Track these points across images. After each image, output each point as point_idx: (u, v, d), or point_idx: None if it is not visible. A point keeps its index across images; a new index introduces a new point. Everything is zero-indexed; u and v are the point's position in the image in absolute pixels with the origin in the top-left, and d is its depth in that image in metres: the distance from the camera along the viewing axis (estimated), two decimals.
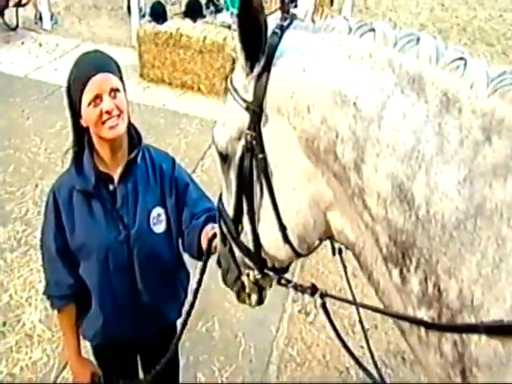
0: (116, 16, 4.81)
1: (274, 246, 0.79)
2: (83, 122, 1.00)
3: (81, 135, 1.05)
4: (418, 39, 0.63)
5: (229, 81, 0.77)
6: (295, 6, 0.82)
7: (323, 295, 0.79)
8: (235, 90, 0.74)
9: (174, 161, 1.19)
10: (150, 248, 1.10)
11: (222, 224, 0.85)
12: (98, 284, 1.08)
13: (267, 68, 0.69)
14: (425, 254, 0.61)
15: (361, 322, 0.88)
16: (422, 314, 0.62)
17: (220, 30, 3.51)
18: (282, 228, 0.75)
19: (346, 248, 0.74)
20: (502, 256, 0.56)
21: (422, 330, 0.63)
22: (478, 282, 0.57)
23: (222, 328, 1.79)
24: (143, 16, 4.05)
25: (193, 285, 1.05)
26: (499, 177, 0.57)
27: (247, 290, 0.91)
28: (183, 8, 3.83)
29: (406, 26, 4.84)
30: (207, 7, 3.93)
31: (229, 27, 3.46)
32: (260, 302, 0.94)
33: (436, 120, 0.60)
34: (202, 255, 1.04)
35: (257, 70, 0.69)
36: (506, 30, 4.89)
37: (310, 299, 1.16)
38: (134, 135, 1.11)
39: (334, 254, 0.83)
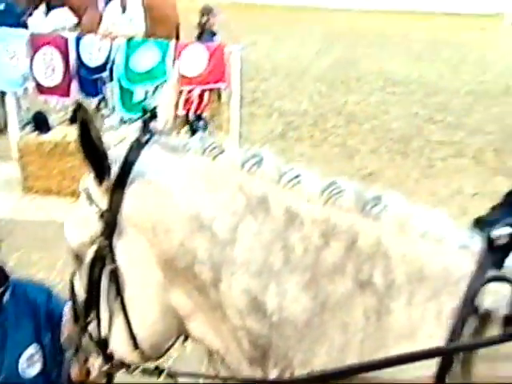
0: None
1: (121, 350, 0.77)
2: None
3: None
4: (262, 160, 0.71)
5: (82, 183, 0.77)
6: (154, 118, 0.82)
7: (171, 375, 0.78)
8: (89, 195, 0.74)
9: (50, 292, 1.13)
10: None
11: (74, 305, 0.82)
12: None
13: (122, 184, 0.71)
14: (281, 352, 0.67)
15: None
16: None
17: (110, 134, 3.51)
18: (132, 336, 0.74)
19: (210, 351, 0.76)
20: (346, 340, 0.64)
21: None
22: (327, 366, 0.64)
23: None
24: (24, 127, 3.91)
25: None
26: (338, 273, 0.65)
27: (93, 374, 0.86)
28: (69, 115, 3.80)
29: (290, 112, 5.36)
30: (97, 110, 3.94)
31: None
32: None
33: (282, 235, 0.68)
34: None
35: (106, 185, 0.71)
36: (373, 110, 5.63)
37: None
38: None
39: None
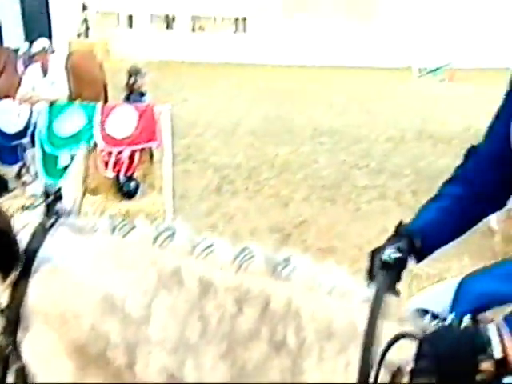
0: None
1: None
2: None
3: None
4: (174, 233, 0.71)
5: None
6: (59, 199, 0.78)
7: None
8: None
9: None
10: None
11: None
12: None
13: (26, 275, 0.67)
14: None
15: None
16: None
17: (32, 200, 3.36)
18: None
19: None
20: None
21: None
22: None
23: None
24: None
25: None
26: (254, 338, 0.66)
27: None
28: None
29: (225, 166, 5.47)
30: (18, 177, 3.77)
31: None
32: None
33: (197, 305, 0.67)
34: None
35: (11, 278, 0.66)
36: (304, 160, 5.91)
37: None
38: None
39: None
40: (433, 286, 1.13)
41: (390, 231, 0.97)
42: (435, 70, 15.30)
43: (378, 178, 5.34)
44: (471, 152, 1.00)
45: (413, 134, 7.46)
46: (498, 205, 0.98)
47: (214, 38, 19.94)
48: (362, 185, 5.13)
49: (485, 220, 0.94)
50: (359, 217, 4.23)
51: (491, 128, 0.97)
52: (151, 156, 4.22)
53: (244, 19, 19.90)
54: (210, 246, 0.70)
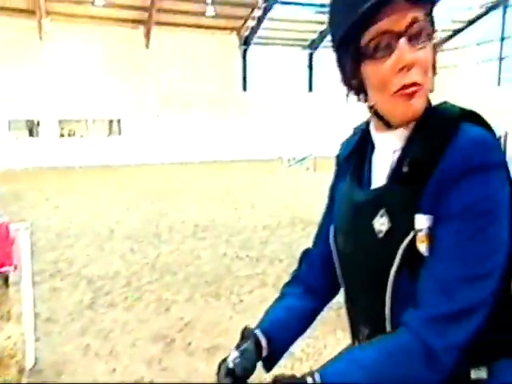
0: None
1: None
2: None
3: None
4: None
5: None
6: None
7: None
8: None
9: None
10: None
11: None
12: None
13: None
14: None
15: None
16: None
17: None
18: None
19: None
20: None
21: None
22: None
23: None
24: None
25: None
26: None
27: None
28: None
29: (100, 277, 5.13)
30: None
31: None
32: None
33: None
34: None
35: None
36: (186, 258, 5.88)
37: None
38: None
39: None
40: None
41: None
42: (302, 160, 17.24)
43: (257, 267, 5.54)
44: (305, 255, 1.14)
45: (287, 220, 8.07)
46: (332, 297, 1.10)
47: (86, 141, 19.81)
48: (243, 275, 5.25)
49: None
50: (242, 309, 4.26)
51: (319, 229, 1.10)
52: (6, 280, 3.77)
53: (119, 121, 20.35)
54: None
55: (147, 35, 19.14)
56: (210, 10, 18.08)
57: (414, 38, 0.74)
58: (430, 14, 0.77)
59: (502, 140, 8.87)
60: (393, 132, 0.82)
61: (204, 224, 7.85)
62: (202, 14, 18.56)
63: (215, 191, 11.47)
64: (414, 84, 0.75)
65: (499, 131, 9.49)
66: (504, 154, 0.75)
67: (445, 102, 0.82)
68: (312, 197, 9.67)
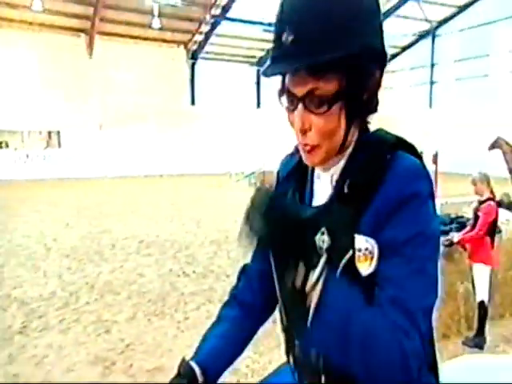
0: None
1: None
2: None
3: None
4: None
5: None
6: None
7: None
8: None
9: None
10: None
11: None
12: None
13: None
14: None
15: None
16: None
17: None
18: None
19: None
20: None
21: None
22: None
23: None
24: None
25: None
26: None
27: None
28: None
29: (34, 299, 4.78)
30: None
31: None
32: None
33: None
34: None
35: None
36: (126, 277, 5.66)
37: None
38: None
39: None
40: None
41: None
42: (250, 175, 17.36)
43: (204, 283, 5.45)
44: (243, 271, 1.13)
45: (234, 234, 8.02)
46: (270, 314, 1.10)
47: (22, 153, 18.65)
48: (189, 292, 5.14)
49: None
50: (188, 327, 4.16)
51: (257, 246, 1.11)
52: None
53: (58, 133, 19.39)
54: None
55: (90, 45, 18.56)
56: (156, 23, 17.92)
57: (311, 105, 0.78)
58: (353, 78, 0.78)
59: (432, 159, 9.55)
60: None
61: (149, 240, 7.62)
62: (149, 26, 18.35)
63: (161, 206, 11.21)
64: (306, 144, 0.82)
65: (431, 150, 10.15)
66: (432, 183, 0.79)
67: (380, 129, 0.86)
68: None
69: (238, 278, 1.12)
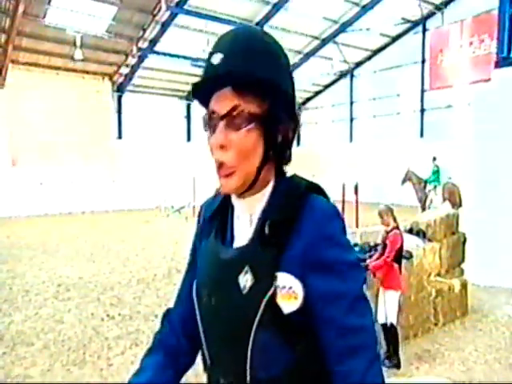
0: None
1: None
2: None
3: None
4: None
5: None
6: None
7: None
8: None
9: None
10: None
11: None
12: None
13: None
14: None
15: None
16: None
17: None
18: None
19: None
20: None
21: None
22: None
23: None
24: None
25: None
26: None
27: None
28: None
29: None
30: None
31: None
32: None
33: None
34: None
35: None
36: (42, 326, 5.15)
37: None
38: None
39: None
40: None
41: None
42: (180, 209, 17.03)
43: (130, 325, 5.13)
44: (166, 315, 1.10)
45: (164, 271, 7.75)
46: (195, 357, 1.07)
47: None
48: (114, 336, 4.79)
49: None
50: (110, 373, 3.84)
51: (180, 288, 1.09)
52: None
53: None
54: None
55: (3, 74, 17.40)
56: (79, 54, 17.38)
57: (232, 123, 0.82)
58: (271, 106, 0.84)
59: (354, 190, 10.15)
60: (245, 200, 0.90)
61: (69, 283, 7.04)
62: (71, 57, 17.75)
63: (85, 245, 10.49)
64: (223, 164, 0.84)
65: (352, 182, 10.78)
66: (343, 219, 0.88)
67: (295, 175, 0.92)
68: (190, 246, 9.53)
69: (162, 323, 1.10)
